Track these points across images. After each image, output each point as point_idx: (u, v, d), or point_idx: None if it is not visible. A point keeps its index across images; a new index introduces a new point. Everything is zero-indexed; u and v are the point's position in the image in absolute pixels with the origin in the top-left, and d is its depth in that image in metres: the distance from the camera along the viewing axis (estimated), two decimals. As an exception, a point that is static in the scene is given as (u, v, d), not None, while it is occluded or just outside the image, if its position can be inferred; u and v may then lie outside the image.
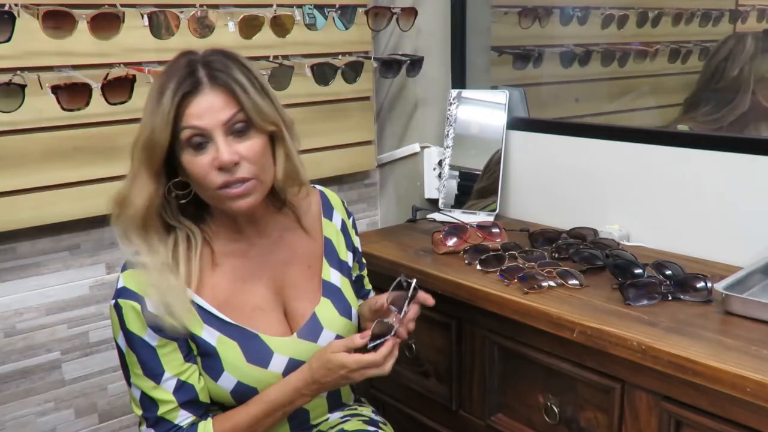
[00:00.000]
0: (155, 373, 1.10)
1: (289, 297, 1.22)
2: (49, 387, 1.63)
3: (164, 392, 1.10)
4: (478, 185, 1.89)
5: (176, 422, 1.11)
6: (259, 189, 1.10)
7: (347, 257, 1.31)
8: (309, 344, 1.19)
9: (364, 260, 1.40)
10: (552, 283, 1.33)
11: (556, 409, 1.30)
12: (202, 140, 1.06)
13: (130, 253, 1.10)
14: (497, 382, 1.42)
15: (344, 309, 1.25)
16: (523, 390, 1.37)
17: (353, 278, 1.34)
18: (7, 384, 1.58)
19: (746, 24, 1.78)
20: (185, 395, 1.11)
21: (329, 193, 1.34)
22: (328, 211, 1.30)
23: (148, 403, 1.11)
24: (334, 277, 1.27)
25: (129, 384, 1.13)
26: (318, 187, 1.33)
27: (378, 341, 1.11)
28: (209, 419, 1.14)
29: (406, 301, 1.15)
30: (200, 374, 1.13)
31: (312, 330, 1.20)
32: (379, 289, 1.66)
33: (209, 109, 1.05)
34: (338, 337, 1.22)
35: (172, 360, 1.10)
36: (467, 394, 1.49)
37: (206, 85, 1.05)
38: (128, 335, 1.09)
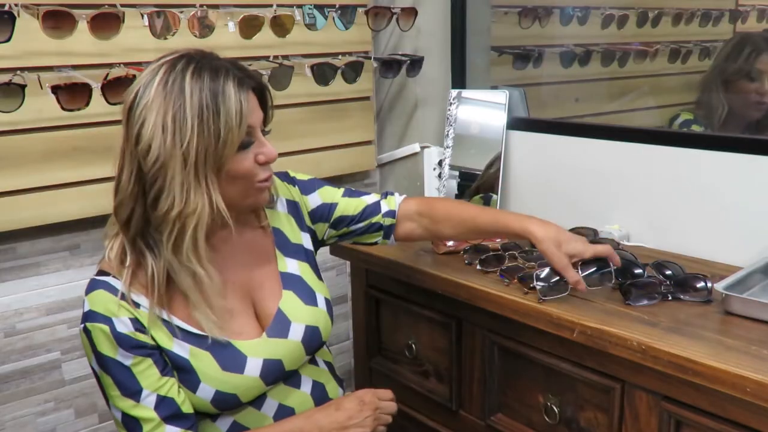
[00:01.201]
0: (133, 392, 1.08)
1: (257, 298, 1.21)
2: (49, 387, 1.63)
3: (145, 410, 1.08)
4: (477, 185, 1.89)
5: None
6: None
7: (301, 239, 1.29)
8: (279, 341, 1.18)
9: (343, 197, 1.34)
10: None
11: (556, 409, 1.30)
12: (249, 138, 1.09)
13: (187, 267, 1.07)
14: (497, 382, 1.42)
15: (309, 297, 1.24)
16: (523, 390, 1.37)
17: (367, 225, 1.34)
18: (7, 384, 1.58)
19: (746, 24, 1.78)
20: (167, 410, 1.09)
21: None
22: (270, 199, 1.28)
23: (131, 423, 1.08)
24: (291, 266, 1.25)
25: (109, 407, 1.11)
26: None
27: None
28: None
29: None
30: (179, 387, 1.12)
31: (280, 326, 1.19)
32: (378, 289, 1.66)
33: (254, 108, 1.10)
34: (307, 327, 1.21)
35: (148, 376, 1.08)
36: (467, 394, 1.49)
37: (247, 85, 1.08)
38: (100, 358, 1.07)
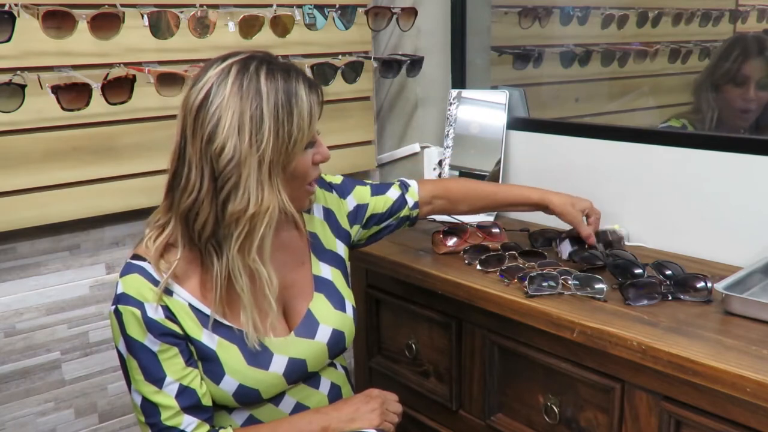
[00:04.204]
0: (156, 378, 1.09)
1: (288, 296, 1.22)
2: (49, 387, 1.63)
3: (166, 397, 1.09)
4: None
5: (182, 428, 1.10)
6: None
7: (335, 246, 1.31)
8: (306, 341, 1.20)
9: (372, 194, 1.40)
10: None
11: (556, 409, 1.30)
12: (313, 139, 1.13)
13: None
14: (497, 382, 1.42)
15: (338, 302, 1.26)
16: (523, 390, 1.37)
17: (397, 222, 1.42)
18: (7, 384, 1.58)
19: (746, 24, 1.78)
20: (187, 400, 1.10)
21: None
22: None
23: (149, 409, 1.10)
24: (324, 270, 1.27)
25: (130, 390, 1.12)
26: None
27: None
28: (229, 428, 1.14)
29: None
30: (202, 378, 1.13)
31: (308, 327, 1.21)
32: (378, 289, 1.67)
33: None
34: (334, 331, 1.23)
35: (173, 365, 1.10)
36: (467, 394, 1.49)
37: (314, 87, 1.12)
38: (128, 341, 1.08)
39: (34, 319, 1.59)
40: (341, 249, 1.32)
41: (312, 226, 1.29)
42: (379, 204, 1.39)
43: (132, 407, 1.13)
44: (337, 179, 1.38)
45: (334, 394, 1.27)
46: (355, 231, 1.37)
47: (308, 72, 1.75)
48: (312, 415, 1.20)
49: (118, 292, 1.09)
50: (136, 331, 1.08)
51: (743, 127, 1.63)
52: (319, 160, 1.16)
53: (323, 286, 1.25)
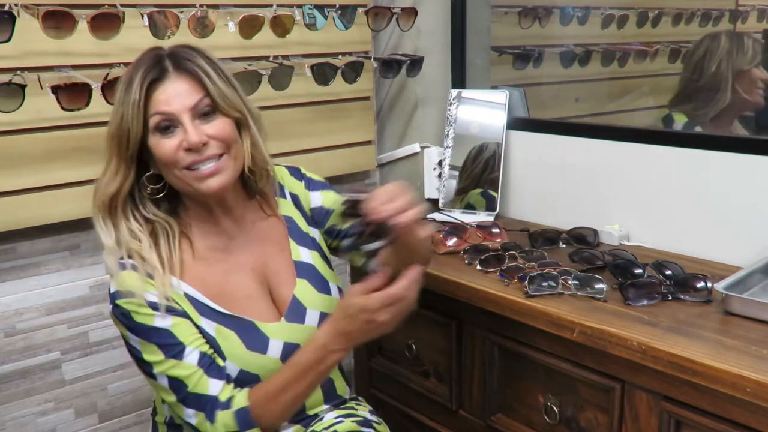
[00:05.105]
0: (177, 351, 1.11)
1: (273, 284, 1.24)
2: (49, 387, 1.63)
3: (188, 366, 1.11)
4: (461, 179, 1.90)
5: (210, 393, 1.11)
6: (231, 167, 1.15)
7: (310, 231, 1.31)
8: (298, 326, 1.21)
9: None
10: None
11: (556, 409, 1.30)
12: (169, 124, 1.11)
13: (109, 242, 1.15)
14: (497, 382, 1.42)
15: (321, 285, 1.26)
16: (523, 390, 1.37)
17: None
18: (7, 384, 1.58)
19: (746, 24, 1.78)
20: (207, 361, 1.12)
21: (275, 169, 1.30)
22: (279, 189, 1.31)
23: (176, 385, 1.11)
24: (304, 254, 1.28)
25: (153, 378, 1.13)
26: None
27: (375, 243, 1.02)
28: (245, 390, 1.14)
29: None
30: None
31: (296, 312, 1.22)
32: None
33: (176, 95, 1.11)
34: (322, 314, 1.23)
35: (186, 330, 1.12)
36: (467, 394, 1.49)
37: (172, 72, 1.12)
38: (138, 329, 1.10)
39: (34, 319, 1.59)
40: (315, 233, 1.32)
41: (286, 210, 1.30)
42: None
43: (156, 396, 1.14)
44: (315, 176, 1.36)
45: (328, 387, 1.29)
46: (318, 234, 1.33)
47: (308, 72, 1.76)
48: (312, 354, 1.11)
49: (113, 291, 1.12)
50: (142, 317, 1.10)
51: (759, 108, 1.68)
52: (185, 146, 1.10)
53: (304, 271, 1.26)
